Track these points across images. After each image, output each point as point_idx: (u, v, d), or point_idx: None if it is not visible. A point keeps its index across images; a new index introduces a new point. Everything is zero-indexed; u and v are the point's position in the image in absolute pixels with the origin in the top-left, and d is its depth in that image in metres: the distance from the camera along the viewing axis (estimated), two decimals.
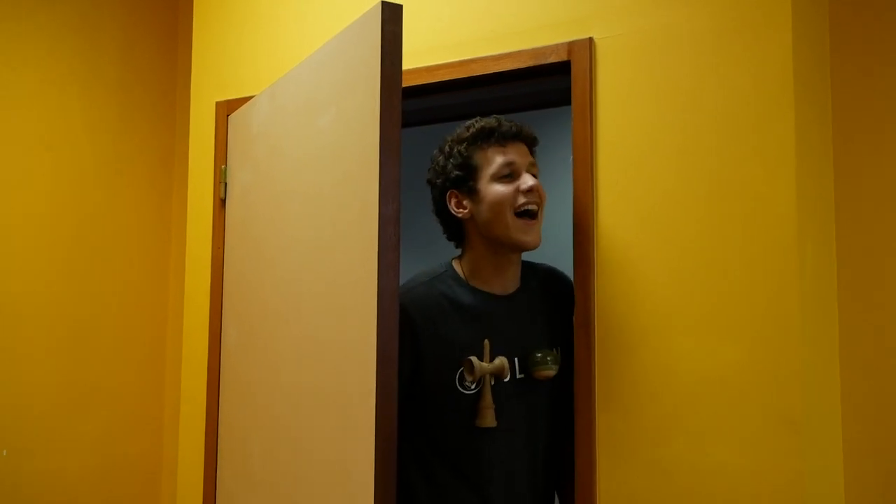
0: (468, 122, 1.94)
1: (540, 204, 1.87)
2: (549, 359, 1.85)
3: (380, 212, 1.53)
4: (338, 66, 1.77)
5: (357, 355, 1.58)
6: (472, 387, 1.83)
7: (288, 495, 1.89)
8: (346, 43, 1.72)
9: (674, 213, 1.84)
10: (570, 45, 1.98)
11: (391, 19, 1.57)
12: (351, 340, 1.62)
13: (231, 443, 2.33)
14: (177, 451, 2.62)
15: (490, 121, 1.91)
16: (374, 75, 1.59)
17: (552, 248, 2.14)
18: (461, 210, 1.90)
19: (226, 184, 2.44)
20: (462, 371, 1.81)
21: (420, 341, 1.84)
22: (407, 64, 2.21)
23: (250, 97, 2.40)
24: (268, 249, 2.12)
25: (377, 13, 1.58)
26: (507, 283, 1.94)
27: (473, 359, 1.80)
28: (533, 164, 1.90)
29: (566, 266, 2.00)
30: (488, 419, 1.81)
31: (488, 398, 1.81)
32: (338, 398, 1.67)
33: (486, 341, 1.83)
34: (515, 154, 1.87)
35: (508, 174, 1.86)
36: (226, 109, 2.49)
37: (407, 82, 2.16)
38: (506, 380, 1.85)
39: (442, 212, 1.95)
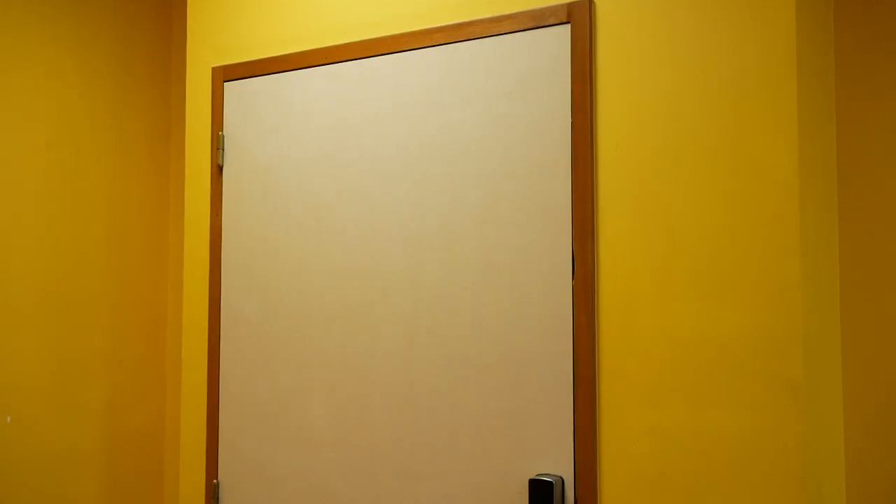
0: None
1: None
2: None
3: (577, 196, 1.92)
4: (490, 69, 2.07)
5: (556, 322, 1.96)
6: None
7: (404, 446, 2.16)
8: (506, 48, 2.06)
9: (675, 177, 1.83)
10: (570, 7, 1.96)
11: (580, 30, 1.88)
12: (542, 310, 1.97)
13: (252, 408, 2.38)
14: (179, 419, 2.63)
15: None
16: (562, 74, 1.96)
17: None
18: None
19: (223, 150, 2.44)
20: None
21: None
22: (402, 27, 2.19)
23: (249, 62, 2.39)
24: (335, 226, 2.29)
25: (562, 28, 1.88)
26: None
27: None
28: None
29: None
30: None
31: None
32: (519, 360, 2.01)
33: None
34: None
35: None
36: (222, 75, 2.47)
37: (402, 47, 2.15)
38: None
39: None
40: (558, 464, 1.99)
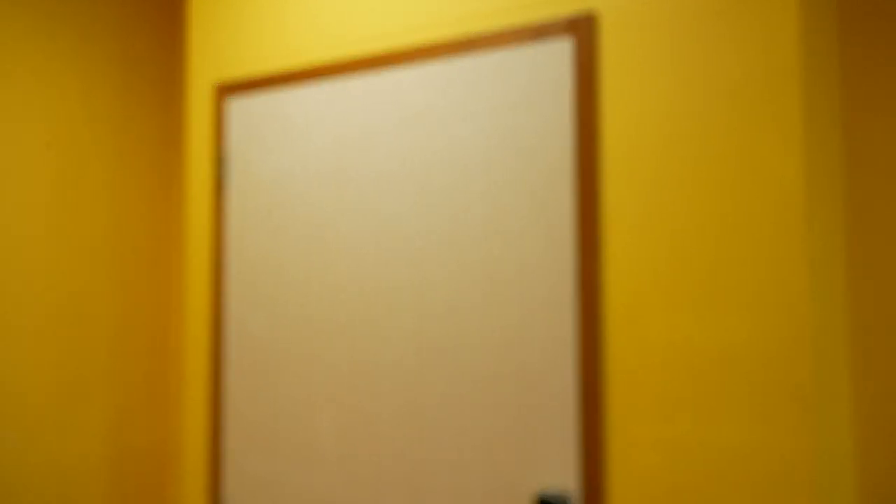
0: None
1: None
2: None
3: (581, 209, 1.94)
4: (493, 83, 2.08)
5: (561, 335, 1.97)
6: None
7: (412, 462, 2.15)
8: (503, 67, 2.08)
9: (679, 189, 1.83)
10: (571, 21, 1.96)
11: (583, 43, 1.91)
12: (547, 323, 1.97)
13: (256, 425, 2.38)
14: (181, 437, 2.62)
15: None
16: (565, 88, 1.98)
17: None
18: None
19: (225, 166, 2.45)
20: None
21: None
22: (405, 42, 2.20)
23: (252, 78, 2.39)
24: (340, 242, 2.29)
25: (565, 42, 1.86)
26: None
27: None
28: None
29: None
30: None
31: None
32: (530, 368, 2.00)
33: None
34: None
35: None
36: (225, 92, 2.47)
37: (405, 61, 2.16)
38: None
39: None
40: (565, 478, 1.98)
